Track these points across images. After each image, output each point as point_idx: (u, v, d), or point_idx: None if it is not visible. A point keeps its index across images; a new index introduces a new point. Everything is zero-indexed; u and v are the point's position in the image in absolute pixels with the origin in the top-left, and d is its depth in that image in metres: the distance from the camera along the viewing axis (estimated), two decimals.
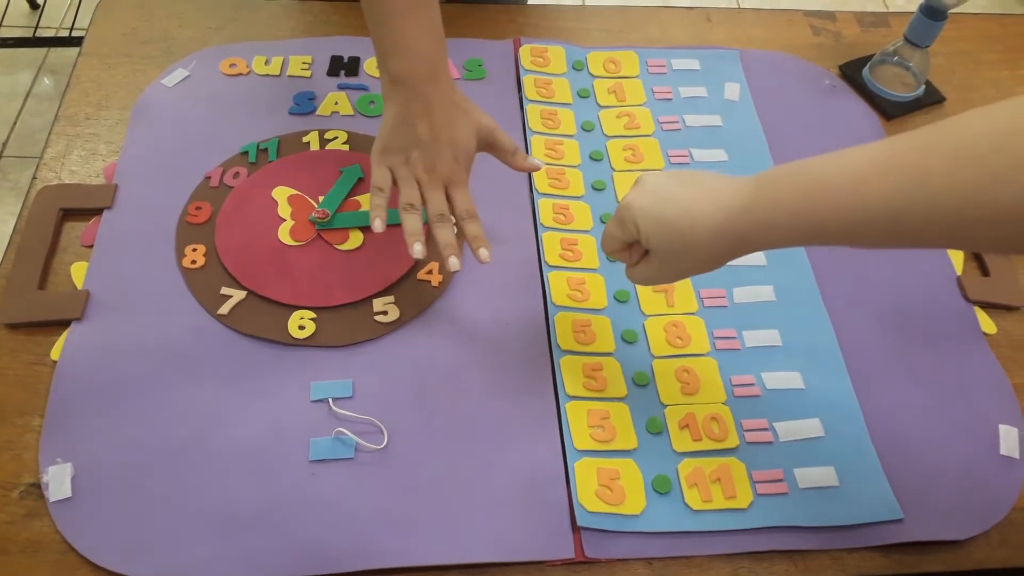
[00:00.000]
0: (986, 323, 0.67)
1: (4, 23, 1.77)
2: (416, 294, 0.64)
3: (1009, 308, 0.68)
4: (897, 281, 0.69)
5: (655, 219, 0.49)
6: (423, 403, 0.59)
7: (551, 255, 0.67)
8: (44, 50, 1.89)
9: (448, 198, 0.60)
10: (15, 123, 1.75)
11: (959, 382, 0.63)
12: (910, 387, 0.62)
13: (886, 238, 0.42)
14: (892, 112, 0.82)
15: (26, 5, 1.94)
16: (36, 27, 1.81)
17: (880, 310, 0.67)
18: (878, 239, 0.43)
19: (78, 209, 0.68)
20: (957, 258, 0.71)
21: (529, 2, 0.93)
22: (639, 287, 0.66)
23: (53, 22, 1.93)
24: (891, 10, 1.70)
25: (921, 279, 0.69)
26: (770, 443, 0.59)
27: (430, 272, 0.65)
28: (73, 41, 1.77)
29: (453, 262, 0.57)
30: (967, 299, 0.68)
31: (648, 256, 0.52)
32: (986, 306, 0.68)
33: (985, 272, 0.70)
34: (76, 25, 1.80)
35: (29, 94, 1.81)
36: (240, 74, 0.79)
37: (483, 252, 0.58)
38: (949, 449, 0.59)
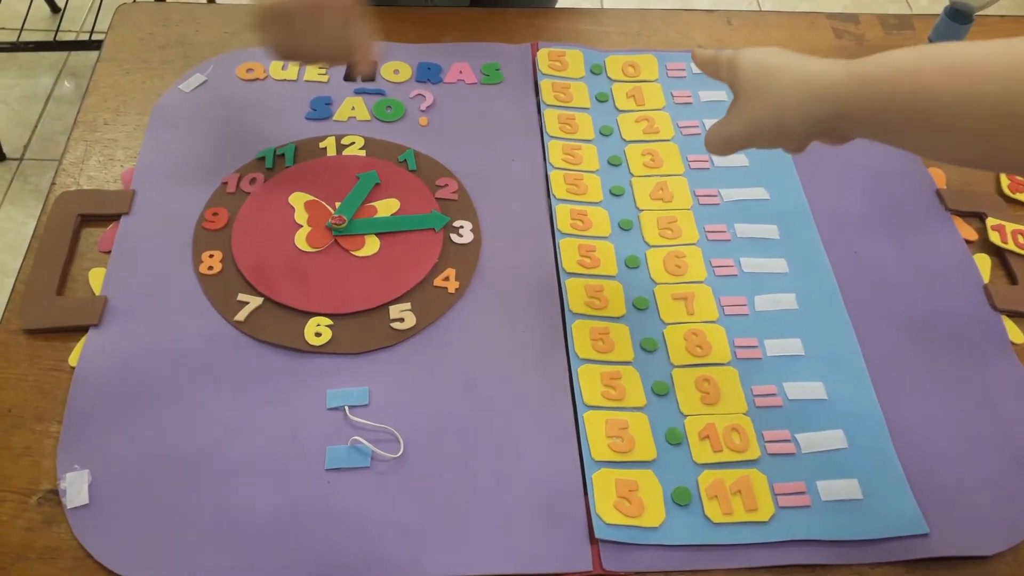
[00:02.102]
0: (1014, 332, 0.65)
1: (25, 26, 1.79)
2: (432, 301, 0.64)
3: None
4: (922, 289, 0.67)
5: (755, 61, 0.51)
6: (439, 411, 0.59)
7: (569, 262, 0.67)
8: (65, 53, 1.90)
9: None
10: (36, 126, 1.77)
11: (986, 393, 0.62)
12: (935, 398, 0.61)
13: (991, 118, 0.41)
14: None
15: (47, 8, 1.96)
16: (57, 30, 1.83)
17: (904, 319, 0.65)
18: (984, 119, 0.41)
19: (96, 215, 0.68)
20: (984, 266, 0.69)
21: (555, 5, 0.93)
22: (659, 295, 0.65)
23: (74, 25, 1.94)
24: (915, 12, 1.67)
25: (946, 287, 0.68)
26: (792, 455, 0.58)
27: (447, 279, 0.65)
28: (93, 44, 1.78)
29: None
30: (994, 308, 0.66)
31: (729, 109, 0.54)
32: (1014, 315, 0.67)
33: (1013, 280, 0.69)
34: (96, 28, 1.82)
35: (50, 97, 1.82)
36: (257, 79, 0.79)
37: None
38: (975, 462, 0.58)
